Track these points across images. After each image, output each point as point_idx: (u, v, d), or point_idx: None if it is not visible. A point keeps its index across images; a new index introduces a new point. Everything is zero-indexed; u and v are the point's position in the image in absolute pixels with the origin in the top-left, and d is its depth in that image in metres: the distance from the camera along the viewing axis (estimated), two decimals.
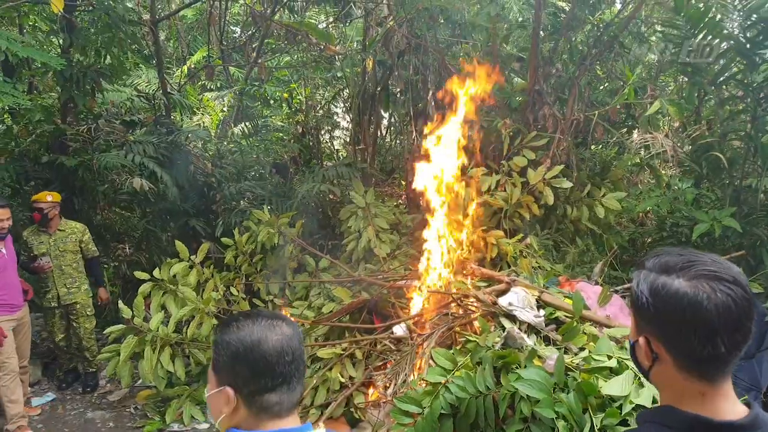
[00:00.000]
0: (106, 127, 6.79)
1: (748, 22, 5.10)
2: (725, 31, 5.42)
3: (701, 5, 5.23)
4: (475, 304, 4.23)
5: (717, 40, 5.42)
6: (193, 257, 5.52)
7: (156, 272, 5.21)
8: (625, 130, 6.85)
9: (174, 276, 5.29)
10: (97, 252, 5.84)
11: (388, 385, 4.13)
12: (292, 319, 4.59)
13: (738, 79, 5.59)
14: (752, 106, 5.31)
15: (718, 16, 5.31)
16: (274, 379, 1.34)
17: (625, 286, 4.81)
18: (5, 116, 6.87)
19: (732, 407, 1.15)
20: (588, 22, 6.25)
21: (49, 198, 5.36)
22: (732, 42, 5.37)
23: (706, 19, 5.19)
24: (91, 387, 5.71)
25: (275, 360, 1.35)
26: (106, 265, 6.83)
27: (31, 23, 7.14)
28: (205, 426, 4.97)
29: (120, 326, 4.90)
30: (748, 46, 5.10)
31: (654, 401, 2.56)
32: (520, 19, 7.33)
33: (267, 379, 1.34)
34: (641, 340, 1.21)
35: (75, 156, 6.27)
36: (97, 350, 5.69)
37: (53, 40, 7.47)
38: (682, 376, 1.15)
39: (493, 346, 3.43)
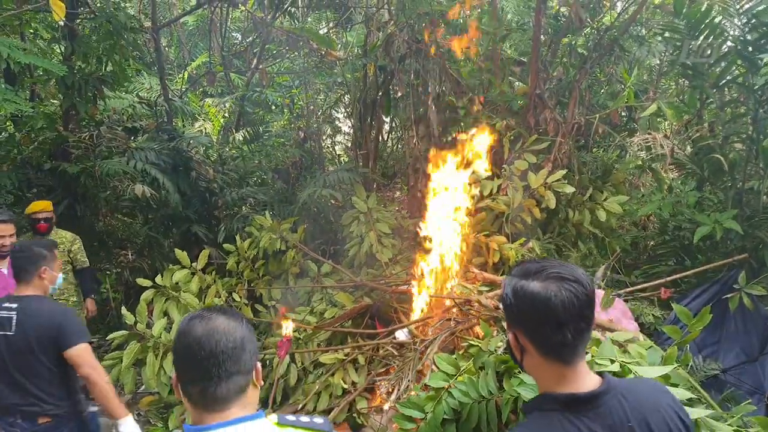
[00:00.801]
0: (108, 134, 6.81)
1: (749, 26, 5.10)
2: (726, 34, 5.42)
3: (702, 7, 5.23)
4: (478, 308, 4.23)
5: (718, 42, 5.43)
6: (194, 264, 5.52)
7: (158, 279, 5.21)
8: (626, 133, 6.85)
9: (176, 283, 5.29)
10: (88, 263, 5.54)
11: (391, 390, 4.12)
12: (294, 324, 4.59)
13: (739, 82, 5.59)
14: (754, 109, 5.30)
15: (719, 18, 5.31)
16: (194, 372, 1.35)
17: (628, 289, 4.80)
18: (7, 124, 6.89)
19: (590, 380, 1.40)
20: (588, 26, 6.26)
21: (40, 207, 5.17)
22: (733, 44, 5.37)
23: (707, 22, 5.20)
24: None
25: (192, 352, 1.35)
26: (108, 272, 6.84)
27: (32, 31, 7.17)
28: None
29: (123, 332, 4.91)
30: (749, 48, 5.10)
31: None
32: (520, 22, 7.35)
33: (187, 371, 1.37)
34: (510, 335, 1.46)
35: (77, 163, 6.28)
36: None
37: (55, 47, 7.50)
38: (546, 362, 1.39)
39: (495, 350, 3.42)
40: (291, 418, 1.46)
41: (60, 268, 3.30)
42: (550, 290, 1.35)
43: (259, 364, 1.47)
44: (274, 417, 1.43)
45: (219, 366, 1.35)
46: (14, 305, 2.96)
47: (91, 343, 3.12)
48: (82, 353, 2.97)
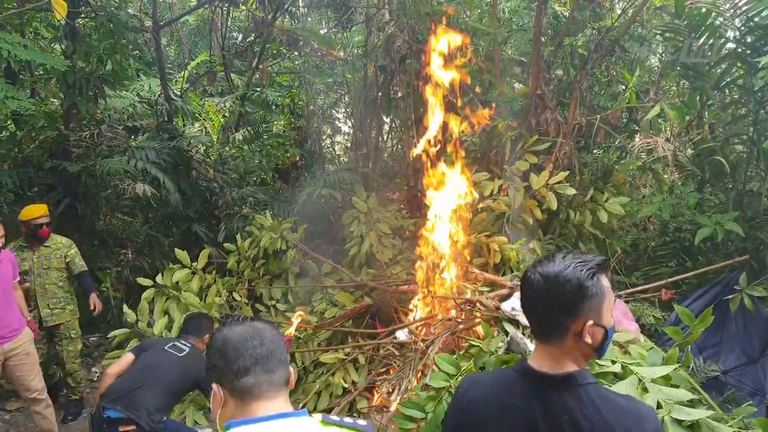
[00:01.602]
0: (109, 133, 6.81)
1: (746, 28, 5.11)
2: (725, 37, 5.43)
3: (703, 9, 5.24)
4: (478, 309, 4.23)
5: (718, 44, 5.44)
6: (195, 264, 5.51)
7: (159, 278, 5.21)
8: (627, 134, 6.85)
9: (177, 282, 5.29)
10: (86, 267, 5.31)
11: (391, 390, 4.12)
12: (297, 323, 4.62)
13: (739, 83, 5.60)
14: (754, 111, 5.31)
15: (720, 20, 5.32)
16: (245, 361, 1.43)
17: (629, 291, 4.80)
18: (8, 122, 6.89)
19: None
20: (588, 27, 6.26)
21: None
22: (733, 46, 5.38)
23: (707, 24, 5.21)
24: (73, 415, 5.22)
25: (242, 345, 1.45)
26: (108, 271, 6.83)
27: (32, 30, 7.17)
28: (208, 430, 4.96)
29: (124, 330, 4.91)
30: (748, 51, 5.11)
31: (659, 405, 2.55)
32: (520, 23, 7.35)
33: (238, 362, 1.43)
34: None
35: (78, 162, 6.27)
36: (82, 376, 5.28)
37: (56, 47, 7.50)
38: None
39: (496, 351, 3.43)
40: (335, 418, 1.50)
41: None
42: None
43: (291, 369, 1.55)
44: (318, 416, 1.48)
45: (272, 355, 1.46)
46: (189, 345, 3.78)
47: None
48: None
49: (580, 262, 1.52)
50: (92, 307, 5.23)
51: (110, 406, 3.33)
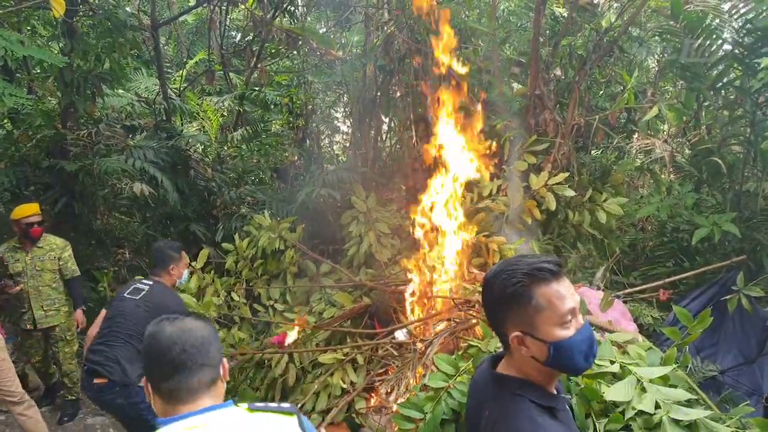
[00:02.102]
0: (107, 131, 6.80)
1: (744, 30, 5.12)
2: (723, 38, 5.45)
3: (699, 11, 5.25)
4: (477, 309, 4.23)
5: (715, 45, 5.45)
6: (193, 263, 5.50)
7: None
8: (625, 134, 6.86)
9: None
10: (78, 272, 5.29)
11: (390, 391, 4.12)
12: (293, 324, 4.64)
13: (736, 85, 5.61)
14: (751, 112, 5.32)
15: (716, 21, 5.34)
16: (166, 368, 1.48)
17: (627, 291, 4.81)
18: (5, 121, 6.87)
19: None
20: (586, 27, 6.27)
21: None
22: (730, 48, 5.40)
23: (704, 25, 5.22)
24: (69, 416, 5.19)
25: (165, 351, 1.49)
26: (106, 270, 6.82)
27: (30, 28, 7.14)
28: None
29: None
30: (745, 53, 5.13)
31: (657, 406, 2.56)
32: (519, 23, 7.36)
33: (160, 368, 1.49)
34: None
35: (75, 161, 6.26)
36: (78, 376, 5.20)
37: (53, 45, 7.48)
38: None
39: (495, 351, 3.43)
40: (260, 404, 1.57)
41: (186, 267, 3.93)
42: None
43: (225, 360, 1.61)
44: (244, 405, 1.55)
45: (190, 358, 1.50)
46: (150, 283, 3.65)
47: None
48: None
49: (512, 269, 1.45)
50: (77, 324, 5.23)
51: (89, 358, 3.50)
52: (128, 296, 3.59)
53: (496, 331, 1.55)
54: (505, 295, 1.44)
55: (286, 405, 1.60)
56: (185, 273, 3.94)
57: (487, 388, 1.58)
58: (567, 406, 1.59)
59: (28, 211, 4.93)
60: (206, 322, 1.61)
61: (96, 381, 3.39)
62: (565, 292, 1.44)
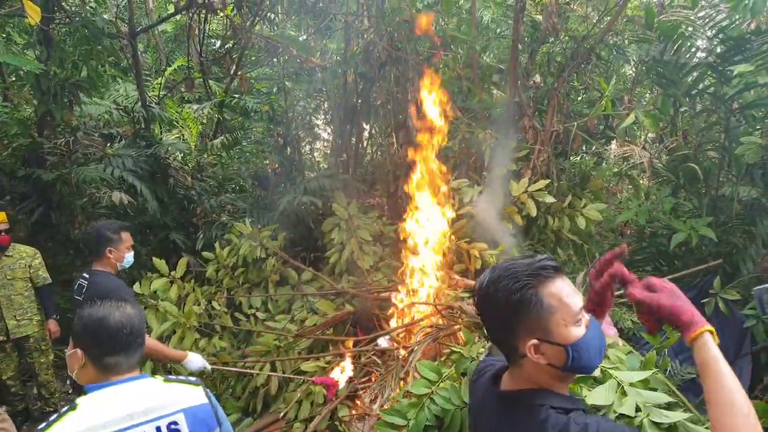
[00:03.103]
0: (85, 140, 6.71)
1: (717, 39, 5.23)
2: (697, 46, 5.56)
3: (673, 20, 5.36)
4: (459, 315, 4.24)
5: (689, 53, 5.56)
6: (173, 273, 5.45)
7: (136, 287, 5.13)
8: (603, 140, 6.96)
9: (155, 291, 5.23)
10: (49, 279, 5.29)
11: (374, 398, 4.11)
12: (275, 332, 4.59)
13: (710, 92, 5.72)
14: (725, 118, 5.43)
15: (690, 29, 5.44)
16: (114, 346, 1.81)
17: None
18: None
19: None
20: (564, 34, 6.35)
21: None
22: (704, 56, 5.51)
23: (678, 33, 5.33)
24: None
25: (116, 333, 1.81)
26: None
27: (5, 35, 7.04)
28: None
29: None
30: (718, 61, 5.23)
31: (638, 409, 2.58)
32: (498, 30, 7.43)
33: (108, 347, 1.80)
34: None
35: (52, 170, 6.17)
36: (56, 387, 5.21)
37: (29, 53, 7.38)
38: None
39: (477, 356, 3.44)
40: (173, 377, 1.96)
41: (128, 249, 3.68)
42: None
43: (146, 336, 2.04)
44: (160, 377, 1.92)
45: (134, 340, 1.85)
46: (87, 276, 3.51)
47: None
48: None
49: (510, 273, 1.34)
50: (48, 334, 5.14)
51: None
52: (76, 297, 3.50)
53: (500, 344, 1.41)
54: (512, 302, 1.32)
55: (193, 378, 2.00)
56: (128, 255, 3.65)
57: (495, 411, 1.44)
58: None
59: None
60: (139, 308, 1.94)
61: None
62: (571, 289, 1.36)
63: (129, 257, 3.66)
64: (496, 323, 1.39)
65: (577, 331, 1.32)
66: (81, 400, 1.75)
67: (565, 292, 1.33)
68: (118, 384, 1.80)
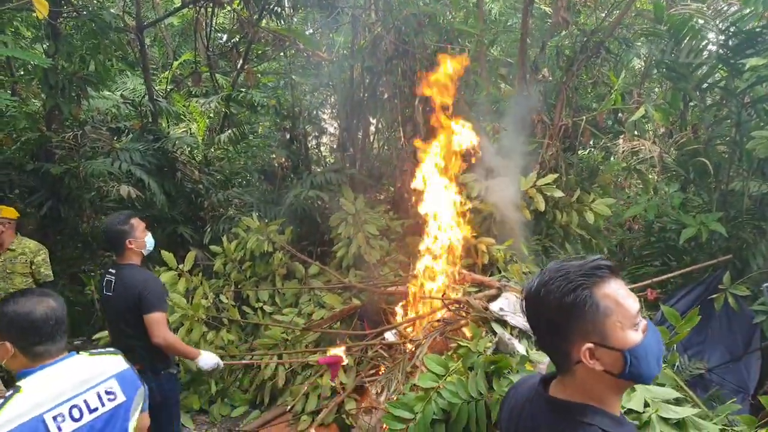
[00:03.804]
0: (92, 134, 6.73)
1: (729, 32, 5.18)
2: (707, 39, 5.50)
3: (683, 13, 5.30)
4: (467, 309, 4.24)
5: (700, 46, 5.50)
6: (181, 266, 5.47)
7: None
8: (612, 135, 6.91)
9: (163, 284, 5.24)
10: (52, 277, 5.15)
11: (380, 391, 4.12)
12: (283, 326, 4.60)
13: (721, 86, 5.67)
14: (736, 112, 5.38)
15: (700, 21, 5.39)
16: (42, 337, 1.97)
17: None
18: None
19: None
20: (574, 28, 6.31)
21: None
22: (714, 49, 5.45)
23: (688, 26, 5.27)
24: None
25: (42, 325, 1.97)
26: (92, 273, 6.75)
27: (13, 30, 7.06)
28: None
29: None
30: (730, 54, 5.18)
31: (646, 404, 2.57)
32: (507, 23, 7.38)
33: (37, 337, 1.96)
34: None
35: (61, 164, 6.20)
36: None
37: (37, 47, 7.40)
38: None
39: (484, 351, 3.43)
40: (97, 351, 2.19)
41: (144, 233, 3.64)
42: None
43: None
44: (85, 353, 2.14)
45: (60, 330, 2.02)
46: (114, 271, 3.52)
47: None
48: (152, 323, 3.38)
49: (561, 275, 1.27)
50: None
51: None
52: (106, 293, 3.54)
53: (551, 350, 1.35)
54: (565, 305, 1.24)
55: (111, 348, 2.28)
56: (147, 239, 3.63)
57: (541, 415, 1.38)
58: None
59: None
60: (60, 300, 2.09)
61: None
62: (627, 291, 1.28)
63: (149, 241, 3.65)
64: (548, 328, 1.31)
65: (635, 336, 1.25)
66: (22, 383, 1.92)
67: (621, 294, 1.26)
68: (51, 365, 1.99)
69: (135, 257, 3.57)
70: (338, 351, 4.40)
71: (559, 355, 1.32)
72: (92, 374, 2.06)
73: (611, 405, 1.31)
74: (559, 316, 1.26)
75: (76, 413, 1.95)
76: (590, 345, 1.24)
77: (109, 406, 2.06)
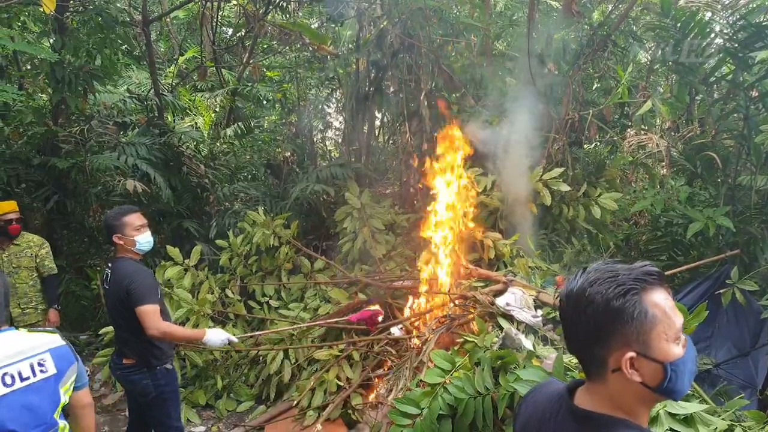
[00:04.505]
0: (99, 128, 6.74)
1: (738, 25, 5.13)
2: (715, 33, 5.45)
3: (691, 7, 5.26)
4: (473, 304, 4.23)
5: (707, 40, 5.46)
6: (187, 261, 5.47)
7: None
8: (619, 129, 6.88)
9: (168, 279, 5.26)
10: (55, 270, 5.20)
11: (390, 388, 4.12)
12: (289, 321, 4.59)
13: (729, 79, 5.62)
14: (744, 106, 5.34)
15: (708, 14, 5.34)
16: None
17: None
18: None
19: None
20: (582, 20, 6.27)
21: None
22: (722, 42, 5.41)
23: (696, 20, 5.23)
24: None
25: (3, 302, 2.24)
26: (98, 268, 6.78)
27: (20, 24, 7.06)
28: (202, 429, 4.95)
29: None
30: (738, 47, 5.13)
31: None
32: (513, 17, 7.34)
33: None
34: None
35: (67, 158, 6.21)
36: None
37: (44, 42, 7.41)
38: None
39: (491, 346, 3.43)
40: (36, 329, 2.42)
41: (136, 231, 3.59)
42: None
43: None
44: (24, 329, 2.33)
45: (3, 307, 2.26)
46: (111, 265, 3.54)
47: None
48: (142, 316, 3.34)
49: (611, 276, 1.20)
50: (47, 322, 5.00)
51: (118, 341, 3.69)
52: (105, 287, 3.57)
53: (585, 354, 1.27)
54: (612, 309, 1.17)
55: (50, 328, 2.47)
56: (138, 238, 3.54)
57: (565, 426, 1.32)
58: None
59: (6, 208, 4.87)
60: (3, 277, 2.34)
61: (125, 361, 3.53)
62: (673, 303, 1.22)
63: (140, 239, 3.55)
64: (587, 331, 1.23)
65: (677, 350, 1.19)
66: None
67: (669, 305, 1.21)
68: None
69: (127, 252, 3.53)
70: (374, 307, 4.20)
71: (593, 361, 1.25)
72: (27, 347, 2.24)
73: (641, 418, 1.26)
74: (602, 319, 1.19)
75: (8, 380, 2.14)
76: (632, 353, 1.17)
77: (41, 376, 2.23)
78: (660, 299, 1.19)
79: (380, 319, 4.19)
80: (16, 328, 2.32)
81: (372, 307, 4.18)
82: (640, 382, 1.18)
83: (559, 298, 1.30)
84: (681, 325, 1.21)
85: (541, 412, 1.40)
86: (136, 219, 3.56)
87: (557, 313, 1.30)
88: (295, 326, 4.97)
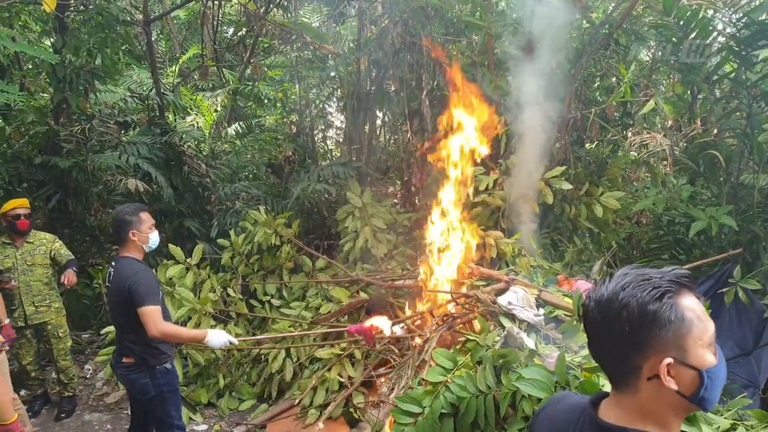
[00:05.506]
0: (100, 127, 6.74)
1: (741, 23, 5.11)
2: (717, 31, 5.43)
3: (693, 5, 5.24)
4: (475, 303, 4.23)
5: (710, 39, 5.44)
6: (189, 260, 5.47)
7: None
8: (621, 127, 6.86)
9: (170, 278, 5.26)
10: (72, 255, 5.23)
11: (392, 387, 4.12)
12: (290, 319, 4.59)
13: (732, 77, 5.61)
14: (747, 104, 5.32)
15: (711, 12, 5.32)
16: None
17: None
18: None
19: None
20: (587, 17, 6.25)
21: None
22: (724, 41, 5.38)
23: (698, 19, 5.21)
24: (66, 413, 5.16)
25: None
26: (100, 267, 6.78)
27: (21, 24, 7.06)
28: (204, 427, 4.95)
29: None
30: (741, 45, 5.11)
31: None
32: (515, 15, 7.31)
33: None
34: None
35: (69, 157, 6.21)
36: (74, 372, 5.23)
37: (45, 41, 7.40)
38: None
39: (492, 345, 3.42)
40: None
41: (150, 229, 3.63)
42: None
43: None
44: None
45: None
46: (114, 263, 3.53)
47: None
48: (144, 317, 3.33)
49: (644, 280, 1.15)
50: (64, 280, 4.93)
51: (119, 340, 3.69)
52: (108, 285, 3.57)
53: (615, 363, 1.20)
54: (648, 313, 1.12)
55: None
56: (152, 235, 3.60)
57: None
58: None
59: (13, 204, 4.90)
60: None
61: (124, 360, 3.53)
62: (704, 308, 1.17)
63: (153, 237, 3.62)
64: (620, 338, 1.16)
65: (711, 357, 1.14)
66: None
67: (702, 309, 1.16)
68: None
69: (135, 250, 3.55)
70: (378, 321, 4.17)
71: (624, 370, 1.18)
72: None
73: (673, 430, 1.20)
74: (637, 324, 1.13)
75: None
76: (670, 360, 1.12)
77: None
78: (694, 303, 1.15)
79: (382, 329, 4.17)
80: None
81: (373, 321, 4.19)
82: (676, 391, 1.13)
83: (584, 305, 1.23)
84: (713, 332, 1.17)
85: (562, 429, 1.34)
86: (149, 217, 3.63)
87: (582, 320, 1.20)
88: (296, 334, 5.00)
